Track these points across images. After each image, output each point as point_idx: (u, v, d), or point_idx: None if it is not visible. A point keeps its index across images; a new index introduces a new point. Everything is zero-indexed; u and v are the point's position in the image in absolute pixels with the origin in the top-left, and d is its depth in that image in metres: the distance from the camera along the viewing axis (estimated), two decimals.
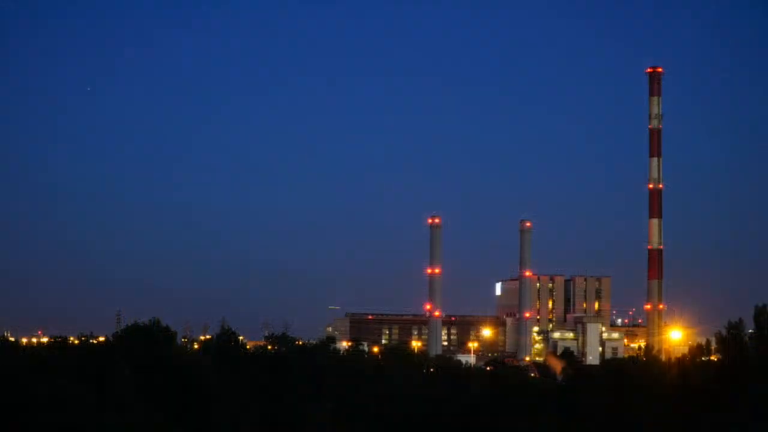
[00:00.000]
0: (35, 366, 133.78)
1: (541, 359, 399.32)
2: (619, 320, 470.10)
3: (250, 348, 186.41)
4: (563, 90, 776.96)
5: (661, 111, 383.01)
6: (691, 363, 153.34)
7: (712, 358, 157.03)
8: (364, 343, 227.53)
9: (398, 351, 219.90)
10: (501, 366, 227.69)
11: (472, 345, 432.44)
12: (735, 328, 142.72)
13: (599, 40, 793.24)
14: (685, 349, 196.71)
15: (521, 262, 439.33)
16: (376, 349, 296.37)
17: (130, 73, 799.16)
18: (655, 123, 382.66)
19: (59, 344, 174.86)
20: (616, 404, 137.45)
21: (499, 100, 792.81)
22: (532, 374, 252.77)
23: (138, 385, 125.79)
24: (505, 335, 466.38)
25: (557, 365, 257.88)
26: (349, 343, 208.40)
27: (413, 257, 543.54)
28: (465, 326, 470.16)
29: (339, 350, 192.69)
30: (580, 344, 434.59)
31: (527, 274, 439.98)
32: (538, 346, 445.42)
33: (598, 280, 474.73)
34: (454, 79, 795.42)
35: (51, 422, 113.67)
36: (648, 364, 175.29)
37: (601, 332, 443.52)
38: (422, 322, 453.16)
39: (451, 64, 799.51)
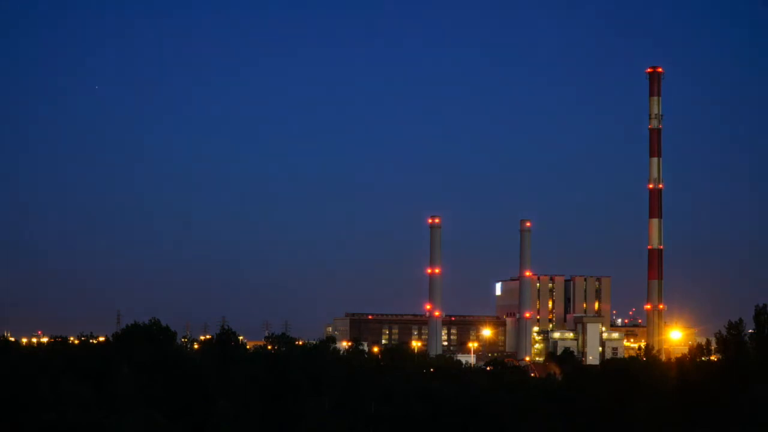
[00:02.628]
0: (35, 366, 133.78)
1: (541, 359, 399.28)
2: (619, 320, 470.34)
3: (250, 348, 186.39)
4: (563, 90, 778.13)
5: (661, 111, 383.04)
6: (691, 363, 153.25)
7: (712, 358, 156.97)
8: (364, 343, 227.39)
9: (398, 351, 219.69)
10: (501, 366, 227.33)
11: (472, 345, 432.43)
12: (735, 328, 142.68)
13: (599, 40, 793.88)
14: (685, 349, 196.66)
15: (521, 262, 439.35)
16: (376, 349, 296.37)
17: (132, 74, 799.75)
18: (655, 123, 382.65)
19: (59, 344, 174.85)
20: (616, 404, 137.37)
21: (499, 100, 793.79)
22: (532, 374, 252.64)
23: (138, 385, 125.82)
24: (505, 335, 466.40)
25: (557, 370, 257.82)
26: (349, 343, 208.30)
27: (413, 257, 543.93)
28: (465, 326, 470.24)
29: (339, 350, 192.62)
30: (580, 344, 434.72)
31: (527, 274, 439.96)
32: (538, 346, 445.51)
33: (598, 280, 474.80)
34: (455, 79, 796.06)
35: (51, 422, 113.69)
36: (648, 364, 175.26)
37: (601, 332, 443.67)
38: (422, 322, 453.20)
39: (451, 63, 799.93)
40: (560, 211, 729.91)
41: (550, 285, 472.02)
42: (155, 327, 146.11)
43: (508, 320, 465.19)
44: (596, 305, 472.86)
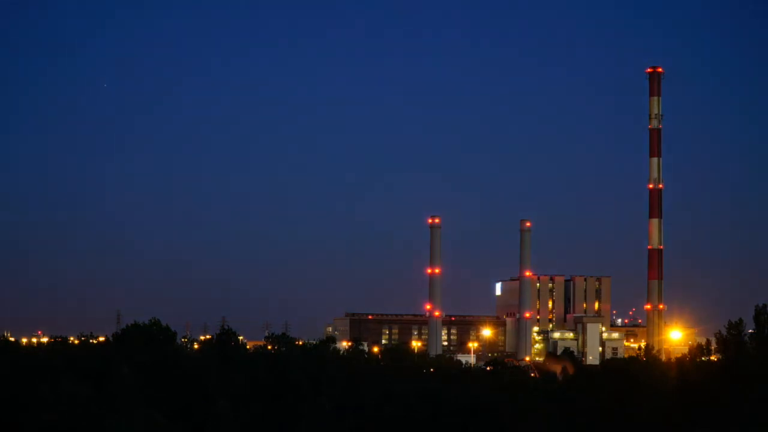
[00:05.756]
0: (35, 366, 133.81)
1: (541, 359, 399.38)
2: (619, 320, 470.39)
3: (250, 348, 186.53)
4: (563, 90, 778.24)
5: (661, 111, 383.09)
6: (691, 363, 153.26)
7: (712, 358, 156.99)
8: (364, 343, 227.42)
9: (398, 351, 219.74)
10: (501, 366, 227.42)
11: (472, 345, 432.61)
12: (735, 328, 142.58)
13: (599, 40, 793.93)
14: (685, 349, 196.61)
15: (521, 262, 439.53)
16: (376, 349, 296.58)
17: (131, 74, 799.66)
18: (655, 123, 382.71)
19: (59, 344, 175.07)
20: (616, 404, 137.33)
21: (499, 100, 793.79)
22: (532, 374, 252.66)
23: (138, 385, 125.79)
24: (505, 335, 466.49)
25: (557, 367, 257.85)
26: (349, 343, 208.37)
27: (413, 257, 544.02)
28: (465, 326, 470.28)
29: (339, 350, 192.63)
30: (580, 344, 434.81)
31: (527, 274, 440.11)
32: (538, 346, 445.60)
33: (598, 280, 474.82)
34: (455, 79, 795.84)
35: (51, 422, 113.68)
36: (648, 364, 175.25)
37: (601, 332, 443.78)
38: (422, 322, 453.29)
39: (451, 63, 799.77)
40: (560, 211, 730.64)
41: (550, 285, 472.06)
42: (155, 327, 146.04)
43: (508, 320, 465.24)
44: (596, 305, 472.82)
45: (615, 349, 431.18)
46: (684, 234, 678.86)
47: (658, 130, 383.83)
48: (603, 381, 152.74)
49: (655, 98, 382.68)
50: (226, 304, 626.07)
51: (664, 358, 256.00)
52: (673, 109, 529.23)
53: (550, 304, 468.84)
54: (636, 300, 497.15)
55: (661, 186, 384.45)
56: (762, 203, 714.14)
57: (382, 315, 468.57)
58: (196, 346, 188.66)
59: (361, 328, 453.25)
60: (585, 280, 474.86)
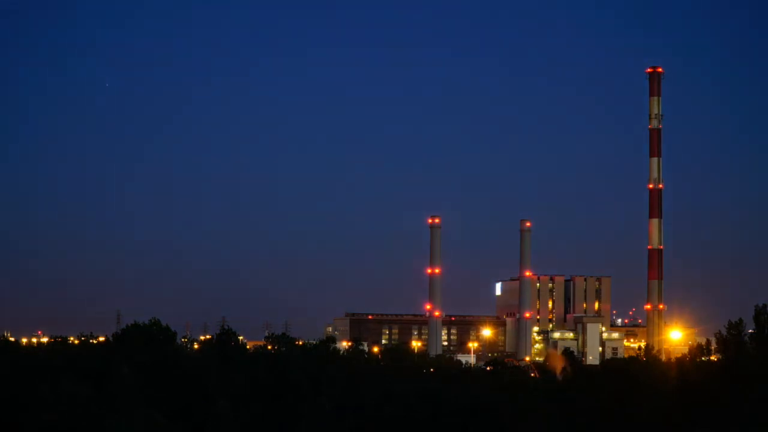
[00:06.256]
0: (35, 366, 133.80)
1: (541, 359, 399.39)
2: (619, 320, 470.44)
3: (250, 348, 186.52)
4: (563, 90, 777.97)
5: (661, 111, 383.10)
6: (691, 363, 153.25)
7: (712, 358, 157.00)
8: (364, 343, 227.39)
9: (398, 351, 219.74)
10: (501, 366, 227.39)
11: (472, 345, 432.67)
12: (735, 328, 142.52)
13: (599, 40, 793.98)
14: (685, 349, 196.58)
15: (521, 262, 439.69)
16: (376, 349, 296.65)
17: (139, 72, 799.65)
18: (655, 123, 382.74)
19: (59, 344, 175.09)
20: (616, 404, 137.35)
21: (498, 100, 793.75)
22: (532, 374, 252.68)
23: (138, 385, 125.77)
24: (505, 335, 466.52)
25: (558, 363, 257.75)
26: (349, 343, 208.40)
27: (413, 257, 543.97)
28: (465, 326, 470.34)
29: (339, 350, 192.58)
30: (580, 344, 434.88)
31: (527, 274, 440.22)
32: (538, 346, 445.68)
33: (598, 280, 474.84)
34: (454, 79, 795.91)
35: (51, 422, 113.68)
36: (648, 364, 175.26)
37: (601, 332, 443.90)
38: (422, 322, 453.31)
39: (451, 63, 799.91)
40: (560, 211, 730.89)
41: (550, 285, 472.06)
42: (155, 327, 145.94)
43: (508, 320, 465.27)
44: (596, 305, 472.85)
45: (615, 349, 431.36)
46: (684, 234, 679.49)
47: (658, 130, 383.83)
48: (603, 381, 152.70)
49: (655, 98, 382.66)
50: (226, 304, 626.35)
51: (664, 358, 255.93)
52: (673, 109, 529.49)
53: (550, 304, 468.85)
54: (636, 300, 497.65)
55: (661, 186, 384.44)
56: (762, 203, 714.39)
57: (382, 315, 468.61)
58: (196, 346, 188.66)
59: (361, 328, 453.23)
60: (585, 280, 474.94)
